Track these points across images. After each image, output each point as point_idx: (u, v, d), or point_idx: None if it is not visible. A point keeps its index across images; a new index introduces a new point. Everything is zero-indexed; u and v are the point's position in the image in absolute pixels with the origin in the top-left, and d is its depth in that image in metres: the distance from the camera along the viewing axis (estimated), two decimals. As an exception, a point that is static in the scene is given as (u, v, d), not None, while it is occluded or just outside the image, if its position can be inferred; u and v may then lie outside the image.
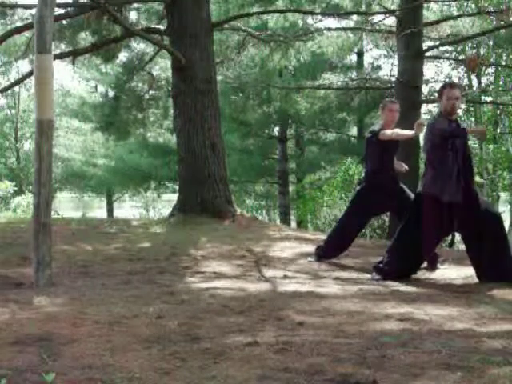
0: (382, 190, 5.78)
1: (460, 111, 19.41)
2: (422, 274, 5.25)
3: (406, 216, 5.15)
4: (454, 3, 14.64)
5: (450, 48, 15.83)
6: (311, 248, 6.56)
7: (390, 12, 11.45)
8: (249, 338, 3.04)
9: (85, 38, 11.26)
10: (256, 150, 20.02)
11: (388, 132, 5.63)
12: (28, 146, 32.80)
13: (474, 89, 17.81)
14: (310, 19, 14.71)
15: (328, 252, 6.02)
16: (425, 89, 16.19)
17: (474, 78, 19.10)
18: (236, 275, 5.29)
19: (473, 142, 19.34)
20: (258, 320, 3.51)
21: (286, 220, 19.29)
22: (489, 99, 15.49)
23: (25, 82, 17.40)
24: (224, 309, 3.82)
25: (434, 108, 19.56)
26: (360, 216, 5.97)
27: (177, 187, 12.23)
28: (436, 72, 20.08)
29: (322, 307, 3.86)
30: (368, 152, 5.86)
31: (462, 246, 8.33)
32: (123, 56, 14.34)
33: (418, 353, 2.79)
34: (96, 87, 22.53)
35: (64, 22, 10.25)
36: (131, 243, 7.23)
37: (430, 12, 14.24)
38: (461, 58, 15.78)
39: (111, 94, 15.82)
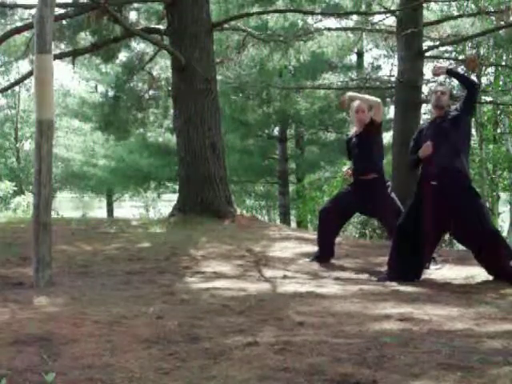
0: (359, 188, 5.86)
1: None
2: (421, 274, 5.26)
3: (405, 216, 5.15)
4: (454, 3, 14.63)
5: (450, 48, 15.82)
6: (311, 248, 6.56)
7: (390, 12, 11.45)
8: (249, 338, 3.04)
9: (85, 38, 11.24)
10: (256, 150, 20.02)
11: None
12: (28, 146, 32.82)
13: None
14: (310, 19, 14.69)
15: (322, 253, 6.03)
16: (425, 89, 16.16)
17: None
18: (236, 275, 5.29)
19: (473, 142, 19.36)
20: (258, 320, 3.50)
21: (285, 220, 19.29)
22: (489, 99, 15.47)
23: (25, 82, 17.39)
24: (224, 309, 3.82)
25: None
26: (337, 215, 6.02)
27: (177, 187, 12.22)
28: (436, 72, 20.05)
29: (322, 307, 3.86)
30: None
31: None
32: (123, 56, 14.33)
33: (418, 353, 2.79)
34: (96, 87, 22.51)
35: (64, 22, 10.24)
36: (131, 243, 7.23)
37: (430, 12, 14.24)
38: (461, 58, 15.76)
39: (111, 93, 15.78)
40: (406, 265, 4.99)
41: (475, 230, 4.82)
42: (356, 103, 5.99)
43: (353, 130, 6.24)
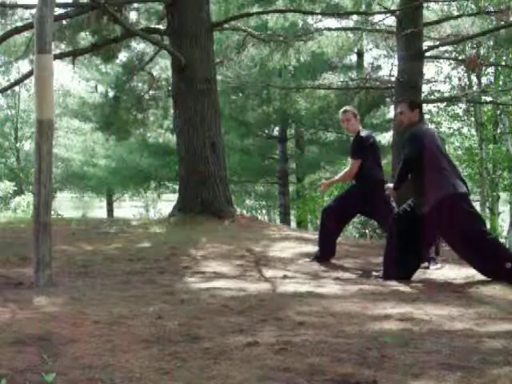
0: (363, 193, 5.87)
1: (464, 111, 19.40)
2: (421, 274, 5.26)
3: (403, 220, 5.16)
4: (454, 3, 14.63)
5: (450, 48, 15.81)
6: (311, 248, 6.56)
7: (390, 12, 11.44)
8: (249, 338, 3.04)
9: (85, 38, 11.25)
10: (256, 149, 20.02)
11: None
12: (28, 146, 32.83)
13: (474, 89, 17.80)
14: (310, 19, 14.70)
15: (322, 253, 6.03)
16: (425, 89, 16.19)
17: (474, 77, 19.09)
18: (236, 275, 5.29)
19: (473, 142, 19.37)
20: (258, 320, 3.51)
21: (286, 220, 19.29)
22: (489, 99, 15.48)
23: (25, 82, 17.39)
24: (224, 309, 3.82)
25: (433, 108, 19.56)
26: (339, 215, 6.01)
27: (177, 187, 12.22)
28: (436, 72, 20.09)
29: (322, 307, 3.86)
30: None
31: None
32: (123, 56, 14.36)
33: (418, 353, 2.79)
34: (96, 87, 22.50)
35: (64, 22, 10.24)
36: (131, 243, 7.23)
37: (430, 12, 14.23)
38: (461, 58, 15.76)
39: (111, 94, 15.81)
40: (403, 262, 4.99)
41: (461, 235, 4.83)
42: (340, 113, 6.07)
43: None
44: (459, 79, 19.30)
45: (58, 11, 9.26)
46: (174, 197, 12.15)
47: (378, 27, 12.40)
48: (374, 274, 5.27)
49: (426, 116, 18.38)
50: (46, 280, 4.60)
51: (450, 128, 20.04)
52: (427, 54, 11.70)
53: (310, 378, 2.47)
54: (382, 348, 2.87)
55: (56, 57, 8.98)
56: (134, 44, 13.17)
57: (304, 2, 11.53)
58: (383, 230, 6.43)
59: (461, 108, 19.45)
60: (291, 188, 21.17)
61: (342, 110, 6.21)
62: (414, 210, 4.99)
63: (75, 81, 38.66)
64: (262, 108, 17.41)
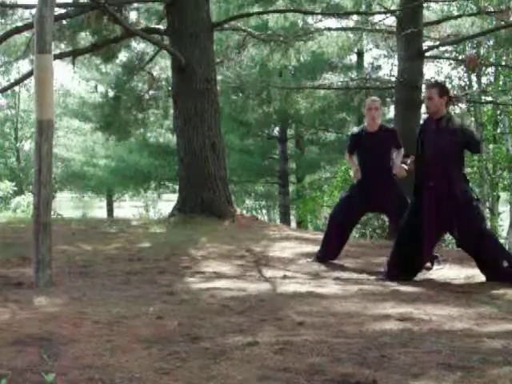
0: (368, 188, 5.82)
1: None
2: (421, 274, 5.25)
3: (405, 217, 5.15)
4: (454, 3, 14.63)
5: (450, 48, 15.82)
6: (311, 248, 6.56)
7: (390, 12, 11.45)
8: (249, 338, 3.04)
9: (85, 38, 11.24)
10: (256, 149, 20.04)
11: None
12: (28, 146, 32.86)
13: (474, 89, 17.80)
14: (310, 19, 14.69)
15: (325, 253, 6.01)
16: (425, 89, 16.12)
17: (474, 77, 19.08)
18: (236, 275, 5.29)
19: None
20: (258, 320, 3.50)
21: (286, 220, 19.29)
22: (489, 99, 15.48)
23: (25, 82, 17.39)
24: (224, 309, 3.82)
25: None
26: (346, 214, 5.97)
27: (177, 187, 12.23)
28: (436, 72, 20.08)
29: (322, 307, 3.86)
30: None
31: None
32: (123, 56, 14.34)
33: (418, 353, 2.79)
34: (96, 87, 22.48)
35: (64, 22, 10.24)
36: (131, 243, 7.23)
37: (430, 12, 14.23)
38: (461, 58, 15.77)
39: (111, 94, 15.78)
40: (404, 263, 4.99)
41: (474, 231, 4.82)
42: (370, 100, 6.01)
43: (361, 126, 6.17)
44: (459, 79, 19.29)
45: (58, 11, 9.25)
46: (174, 197, 12.15)
47: (378, 27, 12.42)
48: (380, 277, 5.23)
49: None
50: (46, 280, 4.60)
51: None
52: (427, 54, 11.72)
53: (310, 377, 2.47)
54: (381, 348, 2.87)
55: (56, 57, 8.98)
56: (134, 44, 13.18)
57: (304, 2, 11.55)
58: (391, 222, 6.33)
59: (461, 108, 19.41)
60: (291, 188, 21.18)
61: (371, 98, 6.19)
62: (416, 212, 4.97)
63: (75, 81, 38.60)
64: (262, 108, 17.38)
